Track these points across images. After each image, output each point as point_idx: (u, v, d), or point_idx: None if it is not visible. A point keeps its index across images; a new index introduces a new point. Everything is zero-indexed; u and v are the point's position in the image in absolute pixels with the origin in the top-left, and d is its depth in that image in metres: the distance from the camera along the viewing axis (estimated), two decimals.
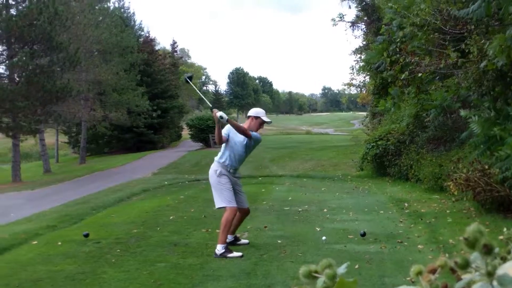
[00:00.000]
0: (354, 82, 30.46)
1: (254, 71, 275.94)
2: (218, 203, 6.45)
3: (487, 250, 0.76)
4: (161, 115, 39.72)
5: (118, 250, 6.61)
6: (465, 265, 0.77)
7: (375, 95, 18.98)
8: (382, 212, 9.21)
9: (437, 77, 9.34)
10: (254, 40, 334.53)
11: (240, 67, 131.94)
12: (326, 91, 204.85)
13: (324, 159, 22.23)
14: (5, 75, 24.22)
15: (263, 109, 7.04)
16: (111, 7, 37.69)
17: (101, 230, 8.11)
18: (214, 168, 6.50)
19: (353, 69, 29.10)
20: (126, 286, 5.18)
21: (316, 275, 0.81)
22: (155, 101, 38.59)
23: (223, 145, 6.53)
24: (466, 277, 0.78)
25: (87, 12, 29.23)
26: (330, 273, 0.79)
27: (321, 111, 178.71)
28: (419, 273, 0.80)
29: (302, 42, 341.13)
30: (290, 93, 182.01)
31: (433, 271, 0.81)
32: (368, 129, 25.31)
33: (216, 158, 6.59)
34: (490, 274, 0.75)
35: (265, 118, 6.69)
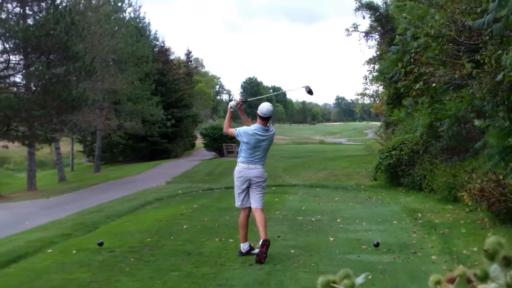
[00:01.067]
0: (367, 92, 30.36)
1: (268, 81, 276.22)
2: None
3: (507, 262, 0.77)
4: (175, 124, 39.87)
5: (132, 259, 6.64)
6: (485, 277, 0.78)
7: (389, 105, 18.94)
8: (395, 222, 9.17)
9: (451, 88, 9.30)
10: (268, 50, 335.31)
11: (253, 77, 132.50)
12: (339, 100, 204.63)
13: (337, 169, 22.18)
14: (21, 84, 24.48)
15: (273, 115, 7.09)
16: (127, 17, 37.98)
17: (115, 238, 8.16)
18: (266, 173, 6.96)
19: (366, 79, 29.06)
20: None
21: (335, 285, 0.83)
22: (169, 110, 38.77)
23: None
24: None
25: (103, 22, 29.47)
26: (349, 283, 0.81)
27: (335, 121, 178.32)
28: (438, 282, 0.82)
29: (315, 52, 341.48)
30: (303, 102, 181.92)
31: (452, 281, 0.81)
32: (382, 139, 25.19)
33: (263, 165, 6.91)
34: (510, 286, 0.76)
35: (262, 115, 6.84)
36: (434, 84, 8.98)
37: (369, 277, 5.40)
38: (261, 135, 6.71)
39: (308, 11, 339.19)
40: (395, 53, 10.20)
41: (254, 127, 6.77)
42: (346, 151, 33.90)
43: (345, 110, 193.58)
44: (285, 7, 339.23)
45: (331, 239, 7.71)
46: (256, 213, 6.72)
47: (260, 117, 6.75)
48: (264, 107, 6.77)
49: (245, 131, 6.72)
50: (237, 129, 6.83)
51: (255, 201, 6.77)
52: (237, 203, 6.91)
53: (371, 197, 13.41)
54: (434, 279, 0.82)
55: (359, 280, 0.82)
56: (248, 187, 6.78)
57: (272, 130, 6.91)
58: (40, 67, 20.52)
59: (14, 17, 22.18)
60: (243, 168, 6.76)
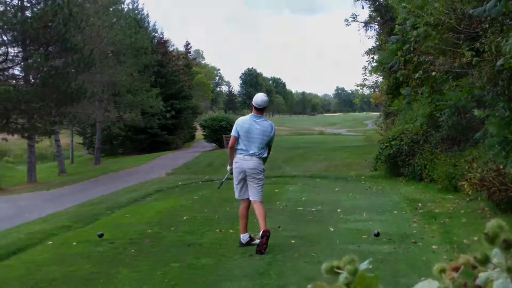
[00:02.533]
0: (367, 82, 30.36)
1: (267, 72, 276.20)
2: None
3: (507, 246, 0.75)
4: (175, 116, 39.77)
5: (132, 250, 6.64)
6: (485, 261, 0.77)
7: (388, 95, 18.92)
8: (395, 212, 9.17)
9: (451, 77, 9.26)
10: (268, 41, 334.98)
11: (252, 68, 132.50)
12: (339, 91, 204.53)
13: (338, 160, 22.14)
14: (20, 76, 24.43)
15: (270, 105, 7.13)
16: (125, 9, 37.74)
17: (116, 230, 8.16)
18: (263, 165, 6.90)
19: (366, 70, 29.04)
20: (140, 286, 5.21)
21: (338, 270, 0.82)
22: (169, 102, 38.67)
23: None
24: (482, 274, 0.77)
25: (101, 13, 29.35)
26: (352, 268, 0.80)
27: (334, 112, 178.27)
28: (442, 271, 0.80)
29: (315, 43, 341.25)
30: (303, 93, 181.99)
31: (456, 269, 0.80)
32: (382, 129, 25.18)
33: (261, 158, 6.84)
34: (510, 270, 0.74)
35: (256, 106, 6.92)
36: (434, 73, 8.94)
37: (370, 266, 5.39)
38: (255, 121, 6.76)
39: (310, 1, 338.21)
40: (394, 43, 10.15)
41: (247, 116, 6.93)
42: (346, 142, 33.90)
43: (345, 101, 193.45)
44: None
45: (332, 230, 7.71)
46: (255, 205, 6.72)
47: (255, 108, 6.83)
48: (259, 98, 6.87)
49: (238, 124, 6.81)
50: (232, 133, 6.82)
51: (252, 194, 6.77)
52: (236, 194, 6.93)
53: (371, 187, 13.40)
54: (439, 268, 0.80)
55: (363, 265, 0.81)
56: (244, 179, 6.78)
57: (268, 122, 6.91)
58: (39, 59, 20.47)
59: (12, 9, 22.08)
60: (239, 159, 6.79)
